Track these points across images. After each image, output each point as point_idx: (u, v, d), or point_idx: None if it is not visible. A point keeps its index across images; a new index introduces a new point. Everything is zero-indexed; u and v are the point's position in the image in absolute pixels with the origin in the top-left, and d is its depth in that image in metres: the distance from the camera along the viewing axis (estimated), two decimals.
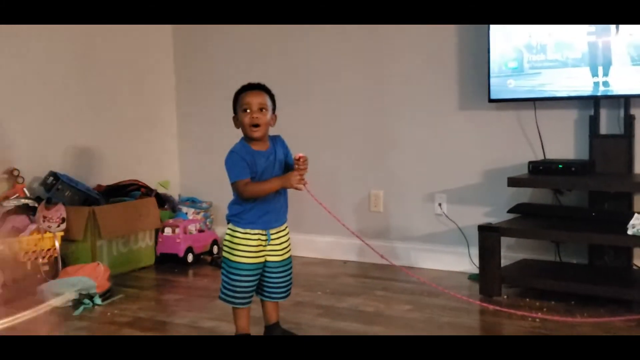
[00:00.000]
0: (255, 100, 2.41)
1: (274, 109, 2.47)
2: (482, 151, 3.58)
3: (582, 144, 3.30)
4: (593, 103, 3.21)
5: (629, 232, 2.82)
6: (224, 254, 2.46)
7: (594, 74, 3.12)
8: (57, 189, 3.62)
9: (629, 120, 3.15)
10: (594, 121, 3.21)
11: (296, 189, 2.41)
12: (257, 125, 2.39)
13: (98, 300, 3.09)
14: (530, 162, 3.23)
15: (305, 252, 4.10)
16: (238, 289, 2.44)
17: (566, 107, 3.34)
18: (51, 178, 3.66)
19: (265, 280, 2.48)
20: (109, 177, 4.04)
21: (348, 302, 3.13)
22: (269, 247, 2.45)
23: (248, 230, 2.42)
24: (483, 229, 3.13)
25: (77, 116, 3.96)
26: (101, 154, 4.07)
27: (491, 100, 3.37)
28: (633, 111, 3.16)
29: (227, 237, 2.46)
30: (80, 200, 3.69)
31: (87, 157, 4.03)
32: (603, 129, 3.24)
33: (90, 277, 3.18)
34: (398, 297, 3.19)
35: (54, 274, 3.32)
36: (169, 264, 3.91)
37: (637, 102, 3.15)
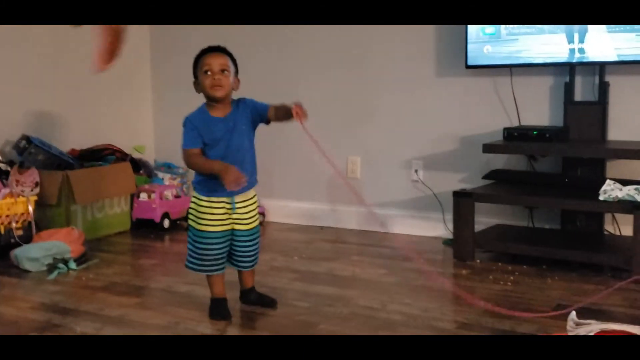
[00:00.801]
0: (216, 61, 2.33)
1: (236, 72, 2.39)
2: (458, 118, 3.59)
3: (557, 111, 3.33)
4: (568, 70, 3.23)
5: (601, 197, 2.86)
6: (189, 221, 2.42)
7: (570, 40, 3.13)
8: (29, 152, 3.57)
9: (603, 87, 3.18)
10: (569, 88, 3.23)
11: (225, 186, 2.27)
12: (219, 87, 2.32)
13: (73, 265, 3.08)
14: (505, 129, 3.24)
15: (281, 218, 4.12)
16: (206, 257, 2.41)
17: (542, 73, 3.36)
18: (24, 142, 3.61)
19: (233, 249, 2.45)
20: (84, 141, 4.00)
21: (323, 266, 3.14)
22: (235, 215, 2.39)
23: (212, 199, 2.37)
24: (457, 195, 3.16)
25: (50, 80, 3.90)
26: (75, 118, 4.02)
27: (468, 67, 3.37)
28: (608, 78, 3.18)
29: (192, 205, 2.41)
30: (53, 164, 3.65)
31: (61, 122, 3.97)
32: (578, 96, 3.26)
33: (64, 241, 3.16)
34: (373, 261, 3.22)
35: (27, 239, 3.30)
36: (145, 229, 3.89)
37: (611, 69, 3.17)
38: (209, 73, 2.33)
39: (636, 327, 1.78)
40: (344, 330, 2.33)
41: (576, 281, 2.82)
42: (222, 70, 2.33)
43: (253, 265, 2.52)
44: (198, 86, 2.38)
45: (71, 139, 3.96)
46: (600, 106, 3.18)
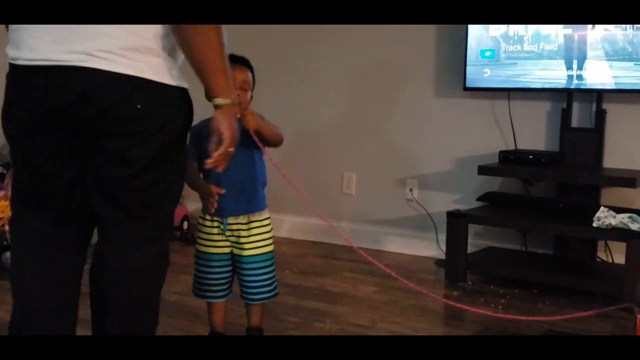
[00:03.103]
0: (239, 76, 2.10)
1: (253, 87, 2.21)
2: (455, 139, 3.60)
3: (554, 136, 3.34)
4: (566, 96, 3.25)
5: (595, 224, 2.87)
6: (197, 245, 2.25)
7: (569, 67, 3.15)
8: None
9: (600, 115, 3.19)
10: (566, 114, 3.25)
11: (203, 204, 2.14)
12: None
13: None
14: (501, 152, 3.26)
15: (275, 231, 4.10)
16: (204, 281, 2.22)
17: (539, 98, 3.38)
18: None
19: (238, 277, 2.24)
20: None
21: (315, 281, 3.14)
22: (232, 238, 2.19)
23: (207, 217, 2.20)
24: (451, 215, 3.16)
25: None
26: None
27: (466, 89, 3.39)
28: (605, 106, 3.20)
29: (200, 227, 2.24)
30: None
31: None
32: (574, 122, 3.28)
33: None
34: (365, 278, 3.21)
35: None
36: None
37: (609, 96, 3.19)
38: (239, 89, 2.10)
39: None
40: None
41: (567, 307, 2.82)
42: (243, 88, 2.13)
43: (258, 299, 2.22)
44: None
45: None
46: (596, 133, 3.20)
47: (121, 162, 1.65)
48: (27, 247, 1.75)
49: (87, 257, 1.80)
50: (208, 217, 2.19)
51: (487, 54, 3.32)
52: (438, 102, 3.65)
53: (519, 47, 3.25)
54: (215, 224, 2.19)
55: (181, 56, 1.71)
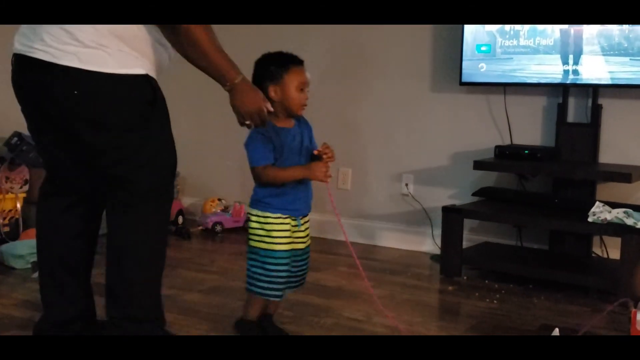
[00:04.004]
0: (302, 77, 2.19)
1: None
2: (451, 134, 3.60)
3: (549, 131, 3.34)
4: (562, 91, 3.24)
5: (590, 219, 2.87)
6: (254, 243, 2.21)
7: (565, 62, 3.15)
8: (21, 150, 3.56)
9: (596, 110, 3.19)
10: (562, 109, 3.25)
11: (321, 181, 2.17)
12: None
13: None
14: (496, 147, 3.26)
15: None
16: (276, 279, 2.19)
17: (535, 93, 3.38)
18: (15, 139, 3.59)
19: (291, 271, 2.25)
20: None
21: (311, 276, 3.09)
22: (295, 234, 2.23)
23: (280, 215, 2.19)
24: (447, 210, 3.16)
25: None
26: None
27: (462, 83, 3.39)
28: (601, 101, 3.20)
29: (257, 225, 2.20)
30: None
31: None
32: (570, 117, 3.28)
33: None
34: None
35: (14, 236, 3.28)
36: None
37: (605, 91, 3.19)
38: (303, 90, 2.18)
39: None
40: None
41: (562, 302, 2.82)
42: (305, 88, 2.21)
43: (302, 284, 2.34)
44: (277, 92, 2.16)
45: None
46: (592, 128, 3.20)
47: (80, 144, 1.94)
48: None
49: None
50: (281, 215, 2.18)
51: (483, 48, 3.32)
52: (434, 96, 3.65)
53: (515, 42, 3.25)
54: (287, 220, 2.20)
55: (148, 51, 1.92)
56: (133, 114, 1.93)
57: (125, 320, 2.04)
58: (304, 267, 2.30)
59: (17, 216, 3.34)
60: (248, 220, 2.26)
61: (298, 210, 2.22)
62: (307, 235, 2.29)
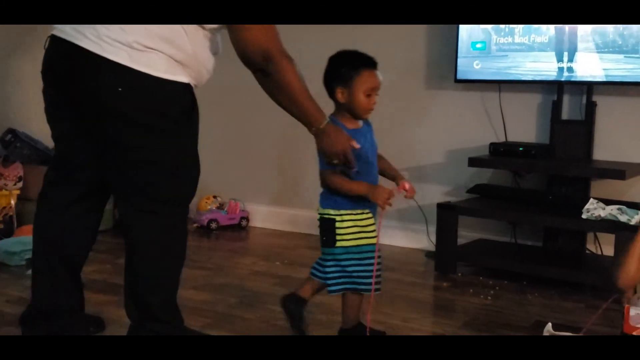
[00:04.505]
0: (379, 83, 2.16)
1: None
2: (446, 131, 3.60)
3: (544, 128, 3.35)
4: (557, 88, 3.25)
5: (584, 216, 2.88)
6: (340, 243, 2.15)
7: (559, 59, 3.16)
8: (15, 146, 3.56)
9: (590, 107, 3.20)
10: (556, 106, 3.25)
11: (380, 206, 2.12)
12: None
13: None
14: (491, 144, 3.26)
15: (265, 223, 4.11)
16: (379, 272, 2.18)
17: (530, 90, 3.38)
18: (10, 135, 3.59)
19: (359, 267, 2.21)
20: None
21: (305, 273, 3.10)
22: (368, 228, 2.20)
23: (358, 211, 2.16)
24: (441, 207, 3.17)
25: (37, 74, 3.88)
26: None
27: (457, 81, 3.39)
28: (595, 98, 3.21)
29: (350, 223, 2.15)
30: (39, 159, 3.63)
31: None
32: (565, 115, 3.28)
33: None
34: None
35: (8, 233, 3.27)
36: None
37: (599, 89, 3.19)
38: (371, 95, 2.15)
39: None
40: None
41: (556, 298, 2.83)
42: (375, 93, 2.18)
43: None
44: (345, 95, 2.16)
45: None
46: (586, 125, 3.20)
47: (112, 141, 1.91)
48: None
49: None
50: (358, 210, 2.15)
51: (479, 46, 3.32)
52: (429, 94, 3.65)
53: (510, 39, 3.25)
54: (369, 214, 2.18)
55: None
56: (171, 120, 1.94)
57: (149, 321, 2.05)
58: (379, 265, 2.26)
59: (11, 213, 3.33)
60: (326, 225, 2.18)
61: (373, 207, 2.18)
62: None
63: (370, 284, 2.16)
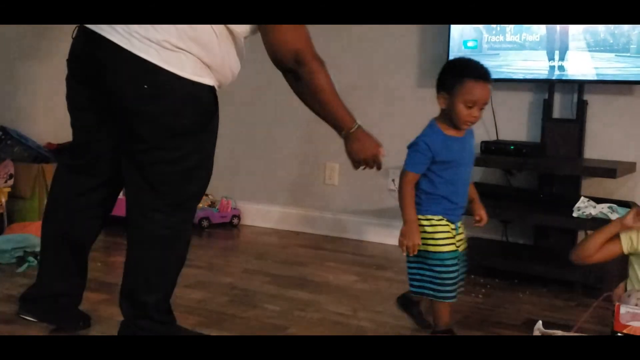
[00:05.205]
0: (484, 96, 2.11)
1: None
2: None
3: (535, 127, 3.35)
4: (548, 87, 3.26)
5: (575, 214, 2.89)
6: (423, 247, 2.17)
7: (551, 57, 3.17)
8: (5, 144, 3.54)
9: (581, 106, 3.21)
10: (547, 105, 3.26)
11: (401, 245, 2.18)
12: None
13: None
14: (483, 142, 3.27)
15: (257, 221, 4.11)
16: (451, 281, 2.18)
17: (521, 89, 3.39)
18: (0, 133, 3.57)
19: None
20: (61, 135, 3.96)
21: (297, 271, 3.14)
22: (457, 237, 2.23)
23: (443, 218, 2.19)
24: None
25: (30, 72, 3.86)
26: (54, 111, 3.98)
27: None
28: (586, 97, 3.22)
29: (426, 229, 2.18)
30: (29, 157, 3.61)
31: (39, 114, 3.94)
32: (556, 113, 3.30)
33: (36, 235, 3.11)
34: (347, 268, 3.22)
35: None
36: (119, 226, 3.85)
37: (590, 87, 3.21)
38: (470, 107, 2.12)
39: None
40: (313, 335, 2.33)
41: (547, 296, 2.84)
42: (483, 105, 2.14)
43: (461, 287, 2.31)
44: (446, 102, 2.17)
45: (49, 132, 3.93)
46: (577, 124, 3.21)
47: (133, 136, 1.91)
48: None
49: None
50: (443, 218, 2.19)
51: (470, 44, 3.32)
52: (421, 92, 3.65)
53: (501, 38, 3.26)
54: (446, 223, 2.20)
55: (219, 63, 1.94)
56: (193, 121, 1.94)
57: (142, 319, 2.06)
58: (462, 272, 2.28)
59: (1, 211, 3.31)
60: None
61: (455, 217, 2.22)
62: (464, 238, 2.29)
63: (443, 292, 2.18)
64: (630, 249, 2.13)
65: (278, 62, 1.99)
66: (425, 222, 2.19)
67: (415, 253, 2.16)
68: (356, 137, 2.08)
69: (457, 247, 2.22)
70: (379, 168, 2.14)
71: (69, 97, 2.07)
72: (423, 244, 2.17)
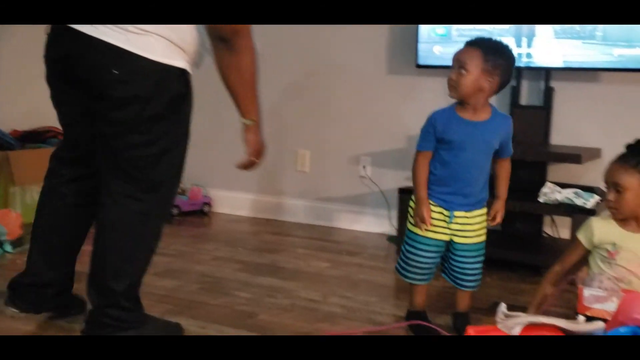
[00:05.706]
0: (461, 57, 2.09)
1: (491, 72, 2.09)
2: (408, 116, 3.62)
3: None
4: (516, 73, 3.29)
5: (541, 199, 2.93)
6: (408, 223, 2.23)
7: (518, 45, 3.20)
8: None
9: (548, 93, 3.25)
10: (515, 91, 3.30)
11: (415, 222, 2.19)
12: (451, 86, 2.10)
13: (9, 248, 3.01)
14: None
15: (227, 209, 4.10)
16: (411, 263, 2.22)
17: None
18: None
19: (451, 264, 2.24)
20: (26, 122, 3.90)
21: (268, 258, 3.14)
22: (453, 227, 2.18)
23: (431, 202, 2.17)
24: (403, 192, 3.19)
25: None
26: (19, 98, 3.92)
27: (418, 66, 3.41)
28: (553, 84, 3.26)
29: (411, 205, 2.23)
30: None
31: (3, 101, 3.87)
32: (523, 100, 3.33)
33: (0, 223, 3.08)
34: (318, 255, 3.23)
35: None
36: None
37: (557, 74, 3.25)
38: (454, 68, 2.11)
39: (562, 320, 1.83)
40: (283, 321, 2.34)
41: (514, 280, 2.88)
42: (459, 68, 2.08)
43: (472, 286, 2.28)
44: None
45: (13, 119, 3.86)
46: (544, 111, 3.25)
47: (104, 121, 1.90)
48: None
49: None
50: (432, 202, 2.18)
51: (440, 31, 3.34)
52: (391, 79, 3.67)
53: (470, 26, 3.27)
54: (439, 209, 2.18)
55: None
56: (165, 104, 1.93)
57: (110, 307, 2.03)
58: (471, 265, 2.24)
59: None
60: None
61: (450, 203, 2.17)
62: (474, 230, 2.21)
63: (400, 267, 2.28)
64: (589, 245, 2.18)
65: (217, 29, 1.95)
66: (413, 201, 2.23)
67: (428, 228, 2.16)
68: (256, 130, 2.18)
69: (450, 236, 2.19)
70: (254, 167, 2.26)
71: (53, 97, 2.07)
72: (409, 222, 2.24)
